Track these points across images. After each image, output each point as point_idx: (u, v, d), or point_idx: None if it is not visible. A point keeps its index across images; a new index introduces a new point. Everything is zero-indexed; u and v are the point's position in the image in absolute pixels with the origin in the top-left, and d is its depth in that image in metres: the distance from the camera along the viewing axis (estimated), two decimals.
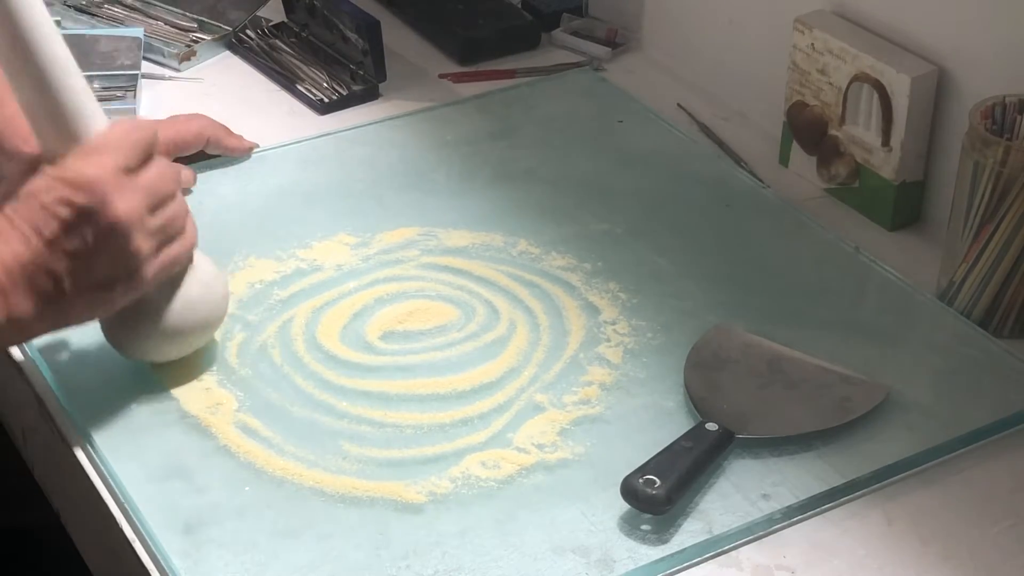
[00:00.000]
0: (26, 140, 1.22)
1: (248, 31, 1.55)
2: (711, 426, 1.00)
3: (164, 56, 1.50)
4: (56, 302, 0.93)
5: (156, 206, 0.97)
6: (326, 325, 1.12)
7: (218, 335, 1.10)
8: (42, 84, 0.95)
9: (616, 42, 1.55)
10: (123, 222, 0.93)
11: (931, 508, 0.98)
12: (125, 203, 0.93)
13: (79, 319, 0.98)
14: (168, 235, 0.98)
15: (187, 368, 1.07)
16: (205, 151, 1.32)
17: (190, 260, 1.03)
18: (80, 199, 0.92)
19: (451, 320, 1.13)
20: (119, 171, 0.94)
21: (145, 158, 0.97)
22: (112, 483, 0.98)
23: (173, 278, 1.02)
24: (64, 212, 0.92)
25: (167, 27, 1.55)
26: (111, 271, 0.95)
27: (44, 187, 0.93)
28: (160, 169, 0.98)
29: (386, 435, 1.02)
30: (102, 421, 1.02)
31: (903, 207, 1.26)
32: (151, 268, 0.97)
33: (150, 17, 1.56)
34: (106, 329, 1.04)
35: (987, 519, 0.97)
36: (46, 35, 0.94)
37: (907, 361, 1.10)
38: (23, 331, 0.95)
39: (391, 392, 1.06)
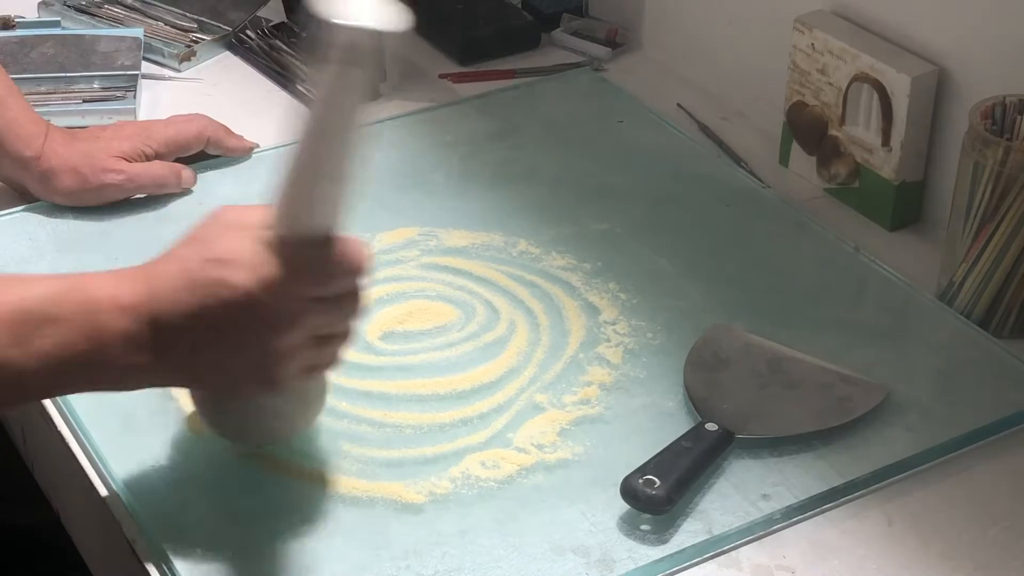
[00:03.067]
0: (28, 144, 1.23)
1: (248, 31, 1.55)
2: (711, 426, 1.00)
3: (164, 56, 1.50)
4: (184, 371, 0.88)
5: (321, 335, 0.89)
6: None
7: None
8: (336, 175, 0.88)
9: (616, 42, 1.55)
10: (281, 351, 0.87)
11: (931, 508, 0.98)
12: (290, 337, 0.86)
13: (197, 385, 0.93)
14: (320, 361, 0.92)
15: None
16: (205, 151, 1.32)
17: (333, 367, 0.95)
18: (254, 315, 0.85)
19: (451, 320, 1.13)
20: (309, 301, 0.87)
21: (344, 285, 0.89)
22: (112, 483, 0.98)
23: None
24: (231, 314, 0.85)
25: (167, 27, 1.55)
26: (243, 375, 0.88)
27: (229, 281, 0.85)
28: (351, 306, 0.90)
29: (386, 435, 1.02)
30: (102, 421, 1.02)
31: (903, 207, 1.26)
32: (287, 383, 0.90)
33: (150, 17, 1.56)
34: (205, 406, 0.97)
35: (987, 519, 0.97)
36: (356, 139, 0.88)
37: (907, 361, 1.10)
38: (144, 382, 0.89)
39: (391, 392, 1.06)
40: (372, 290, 0.92)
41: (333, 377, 0.97)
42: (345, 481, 0.98)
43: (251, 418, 0.95)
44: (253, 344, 0.86)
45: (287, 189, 0.88)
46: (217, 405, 0.96)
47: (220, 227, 0.88)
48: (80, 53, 1.45)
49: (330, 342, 0.91)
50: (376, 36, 0.83)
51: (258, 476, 0.98)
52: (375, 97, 0.85)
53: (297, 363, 0.88)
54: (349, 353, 0.93)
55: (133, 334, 0.85)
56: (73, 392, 0.91)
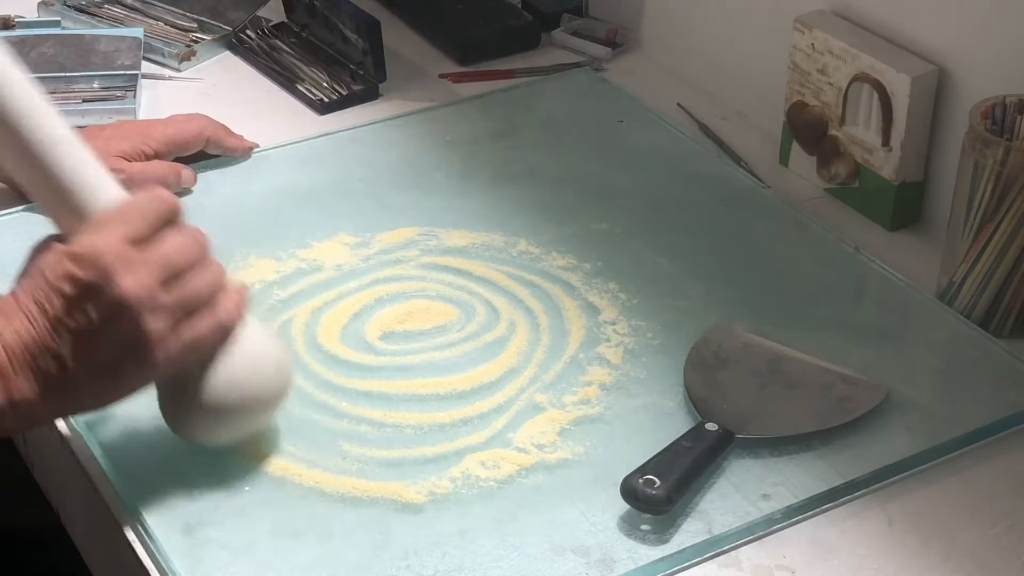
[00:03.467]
0: None
1: (248, 31, 1.55)
2: (711, 426, 1.00)
3: (164, 56, 1.50)
4: (60, 384, 0.87)
5: (172, 279, 0.89)
6: (326, 325, 1.12)
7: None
8: (38, 161, 0.90)
9: (616, 42, 1.55)
10: (129, 298, 0.86)
11: (931, 508, 0.98)
12: (132, 278, 0.86)
13: (89, 404, 0.91)
14: (189, 310, 0.90)
15: None
16: (205, 151, 1.32)
17: (225, 335, 0.93)
18: (83, 274, 0.86)
19: (451, 320, 1.13)
20: (127, 243, 0.87)
21: (160, 227, 0.89)
22: (112, 483, 0.98)
23: (207, 354, 0.93)
24: (67, 288, 0.86)
25: (167, 27, 1.55)
26: (118, 352, 0.88)
27: (50, 263, 0.87)
28: (179, 239, 0.90)
29: (386, 435, 1.02)
30: (102, 421, 1.02)
31: (903, 207, 1.26)
32: (166, 349, 0.89)
33: (150, 17, 1.56)
34: (160, 406, 0.97)
35: (987, 519, 0.97)
36: (33, 112, 0.90)
37: (907, 361, 1.10)
38: (27, 416, 0.88)
39: (391, 392, 1.06)
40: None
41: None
42: (345, 481, 0.98)
43: (184, 400, 0.94)
44: (109, 322, 0.86)
45: (32, 193, 0.92)
46: (163, 402, 0.96)
47: (33, 266, 0.89)
48: (80, 53, 1.45)
49: (193, 298, 0.90)
50: None
51: (259, 476, 0.98)
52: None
53: (164, 326, 0.88)
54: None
55: (5, 369, 0.86)
56: None
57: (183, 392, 0.94)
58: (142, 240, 0.88)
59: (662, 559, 0.92)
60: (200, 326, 0.91)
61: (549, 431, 1.02)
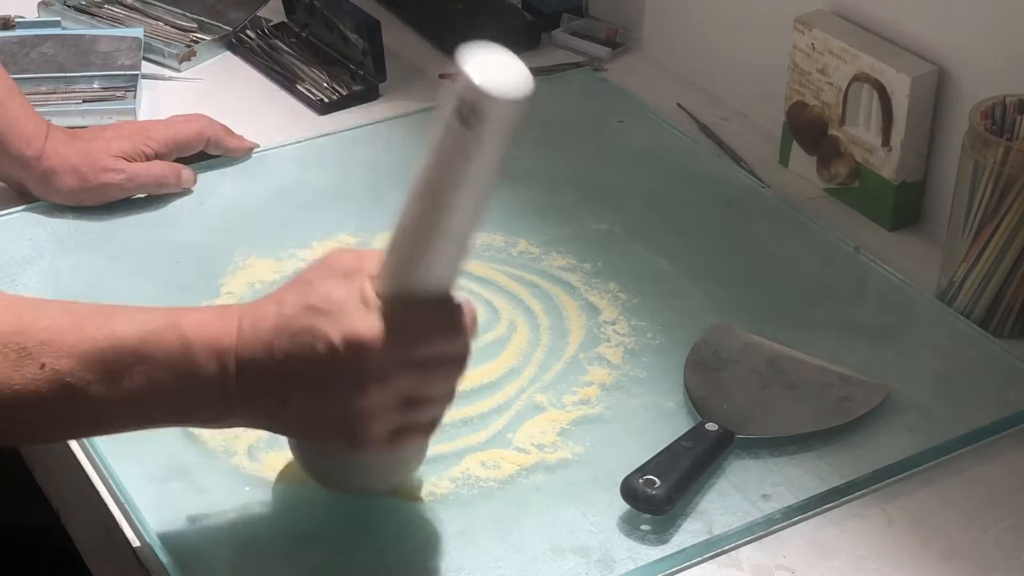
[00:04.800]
0: (28, 144, 1.23)
1: (248, 31, 1.55)
2: (711, 426, 1.00)
3: (164, 56, 1.50)
4: (273, 417, 0.86)
5: (415, 399, 0.85)
6: None
7: None
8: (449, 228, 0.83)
9: (616, 42, 1.55)
10: (360, 412, 0.83)
11: (931, 508, 0.98)
12: (373, 395, 0.82)
13: (281, 431, 0.90)
14: (412, 424, 0.87)
15: None
16: (205, 151, 1.32)
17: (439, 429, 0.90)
18: (336, 357, 0.81)
19: None
20: (400, 364, 0.83)
21: (441, 354, 0.85)
22: (112, 483, 0.98)
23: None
24: (314, 348, 0.82)
25: (167, 27, 1.55)
26: (329, 429, 0.85)
27: (328, 319, 0.82)
28: (443, 383, 0.86)
29: None
30: None
31: (903, 207, 1.26)
32: (373, 447, 0.86)
33: (150, 17, 1.56)
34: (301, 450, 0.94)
35: (987, 519, 0.97)
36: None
37: (907, 361, 1.10)
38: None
39: None
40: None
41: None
42: None
43: (337, 468, 0.93)
44: (337, 399, 0.83)
45: (396, 242, 0.84)
46: (305, 449, 0.93)
47: (325, 272, 0.85)
48: (80, 53, 1.45)
49: (425, 406, 0.86)
50: (514, 107, 0.78)
51: (260, 477, 0.98)
52: (503, 169, 0.82)
53: (385, 424, 0.84)
54: (447, 419, 0.90)
55: (224, 378, 0.83)
56: (158, 427, 0.88)
57: (345, 460, 0.91)
58: (415, 365, 0.84)
59: (662, 559, 0.92)
60: (413, 437, 0.88)
61: (549, 431, 1.02)
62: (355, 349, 0.81)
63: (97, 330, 0.82)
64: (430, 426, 0.89)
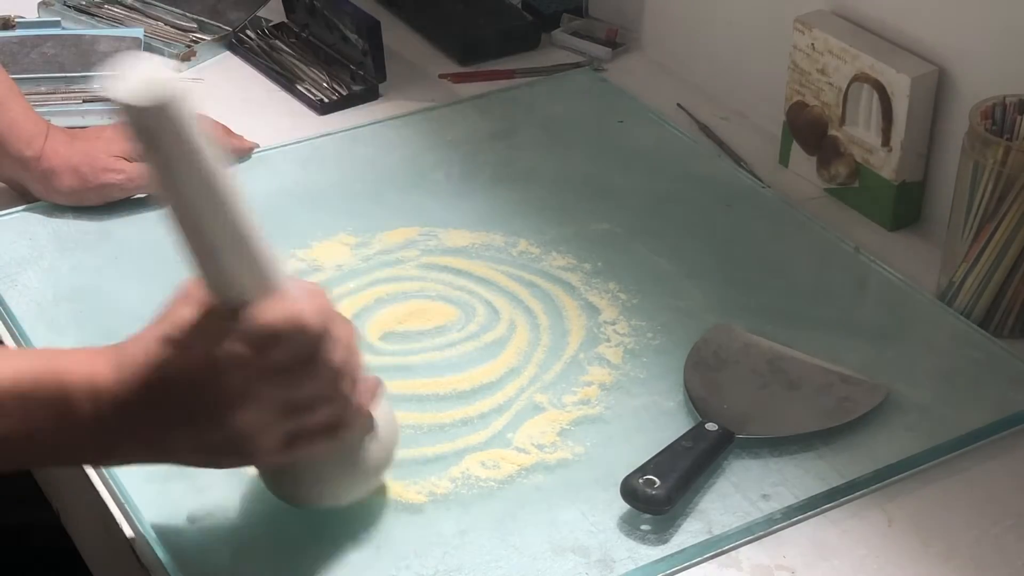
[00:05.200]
0: (29, 144, 1.23)
1: (248, 31, 1.55)
2: (711, 426, 1.00)
3: (164, 56, 1.50)
4: (163, 452, 0.85)
5: (294, 404, 0.84)
6: None
7: None
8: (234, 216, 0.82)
9: (616, 42, 1.55)
10: (239, 431, 0.82)
11: (931, 508, 0.98)
12: (244, 411, 0.82)
13: (176, 463, 0.87)
14: (305, 429, 0.85)
15: None
16: None
17: (347, 429, 0.88)
18: (193, 382, 0.81)
19: (451, 320, 1.13)
20: (253, 365, 0.82)
21: (308, 354, 0.84)
22: (112, 483, 0.98)
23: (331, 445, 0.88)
24: (175, 379, 0.82)
25: (167, 27, 1.55)
26: (219, 454, 0.84)
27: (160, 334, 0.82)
28: (317, 382, 0.84)
29: None
30: None
31: (903, 207, 1.26)
32: (271, 460, 0.86)
33: (150, 17, 1.56)
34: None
35: (987, 519, 0.97)
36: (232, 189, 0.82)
37: (907, 361, 1.10)
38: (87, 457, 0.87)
39: (391, 392, 1.05)
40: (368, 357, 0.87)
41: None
42: None
43: (293, 480, 0.91)
44: (213, 421, 0.82)
45: (192, 266, 0.83)
46: (262, 472, 0.93)
47: (176, 301, 0.85)
48: (80, 53, 1.45)
49: (309, 410, 0.84)
50: (156, 110, 0.76)
51: (258, 476, 0.98)
52: (215, 150, 0.79)
53: (271, 436, 0.83)
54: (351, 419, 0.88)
55: (99, 418, 0.82)
56: (37, 467, 0.88)
57: (296, 471, 0.91)
58: (271, 370, 0.82)
59: (662, 559, 0.92)
60: (307, 429, 0.85)
61: (549, 431, 1.02)
62: (207, 369, 0.81)
63: None
64: (332, 427, 0.86)
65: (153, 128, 0.76)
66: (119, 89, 0.75)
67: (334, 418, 0.86)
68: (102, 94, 0.77)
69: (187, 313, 0.83)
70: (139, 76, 0.75)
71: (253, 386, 0.82)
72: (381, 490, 0.97)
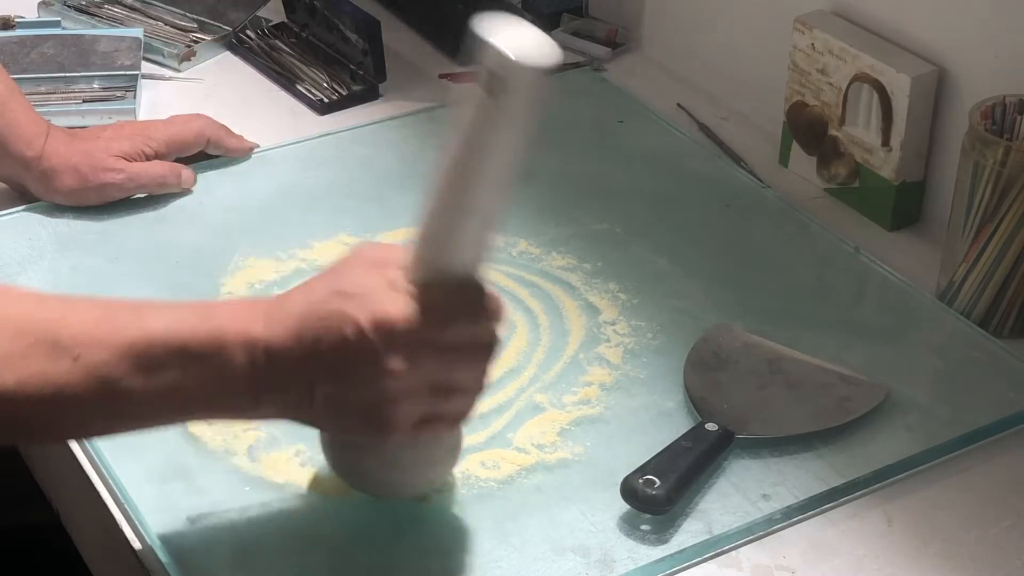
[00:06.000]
0: (29, 144, 1.23)
1: (248, 31, 1.55)
2: (711, 426, 1.00)
3: (164, 56, 1.50)
4: (300, 408, 0.85)
5: (443, 385, 0.85)
6: None
7: None
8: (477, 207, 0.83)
9: (616, 42, 1.55)
10: (386, 395, 0.83)
11: (931, 508, 0.98)
12: (400, 378, 0.82)
13: (312, 422, 0.88)
14: (441, 412, 0.87)
15: None
16: (205, 151, 1.32)
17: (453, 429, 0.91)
18: (365, 340, 0.82)
19: None
20: (428, 345, 0.83)
21: (470, 337, 0.85)
22: (112, 483, 0.98)
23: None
24: (341, 331, 0.82)
25: (167, 27, 1.55)
26: (355, 417, 0.85)
27: (356, 303, 0.82)
28: (470, 364, 0.86)
29: None
30: None
31: (903, 207, 1.26)
32: (399, 434, 0.86)
33: (150, 17, 1.56)
34: (332, 450, 0.93)
35: (987, 519, 0.97)
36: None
37: (907, 361, 1.10)
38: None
39: None
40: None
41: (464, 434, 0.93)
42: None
43: (368, 466, 0.92)
44: (363, 383, 0.83)
45: (423, 227, 0.84)
46: (336, 448, 0.93)
47: (355, 262, 0.86)
48: (80, 53, 1.45)
49: (453, 394, 0.86)
50: (540, 75, 0.78)
51: (260, 477, 0.98)
52: (533, 140, 0.81)
53: (411, 410, 0.84)
54: (478, 410, 0.89)
55: (253, 369, 0.82)
56: (189, 421, 0.88)
57: (376, 457, 0.91)
58: (442, 348, 0.84)
59: (662, 559, 0.92)
60: (442, 413, 0.87)
61: (549, 431, 1.02)
62: (383, 330, 0.82)
63: (130, 323, 0.82)
64: (458, 416, 0.88)
65: (504, 79, 0.77)
66: (500, 30, 0.77)
67: (465, 408, 0.88)
68: (478, 34, 0.77)
69: (370, 274, 0.84)
70: (524, 31, 0.78)
71: (419, 355, 0.83)
72: (449, 484, 0.97)
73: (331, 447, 0.93)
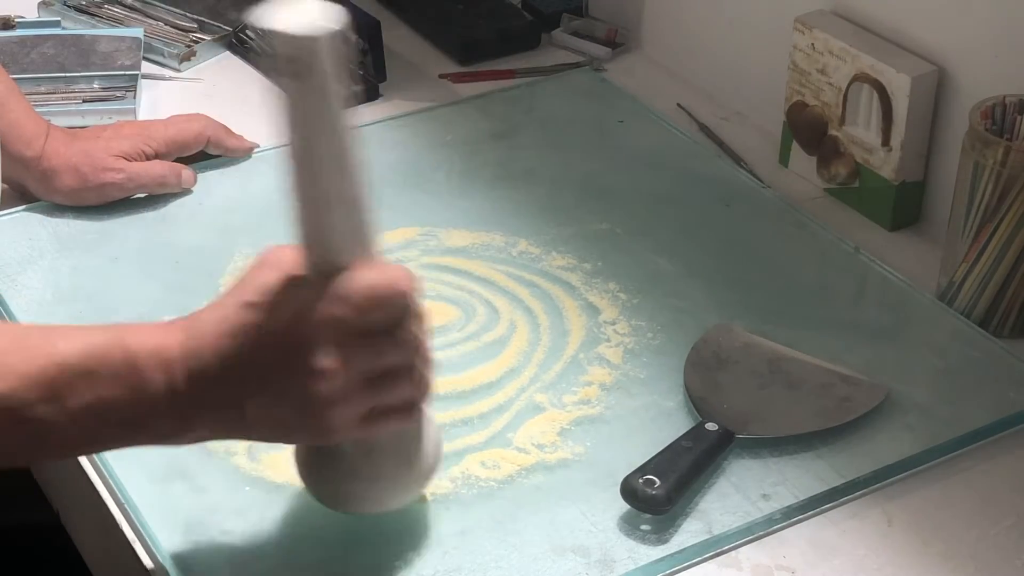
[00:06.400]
0: (29, 145, 1.23)
1: (248, 31, 1.55)
2: (711, 426, 1.00)
3: (164, 56, 1.50)
4: (235, 426, 0.83)
5: (376, 375, 0.83)
6: None
7: None
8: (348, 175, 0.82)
9: (616, 42, 1.55)
10: (319, 399, 0.81)
11: (931, 508, 0.98)
12: (327, 378, 0.80)
13: (251, 437, 0.87)
14: (382, 405, 0.84)
15: None
16: (205, 151, 1.32)
17: (420, 411, 0.88)
18: (277, 345, 0.80)
19: (451, 320, 1.13)
20: (341, 328, 0.81)
21: (388, 322, 0.83)
22: (112, 483, 0.98)
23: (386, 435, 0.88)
24: (257, 343, 0.81)
25: (167, 27, 1.55)
26: (295, 426, 0.84)
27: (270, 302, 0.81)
28: (397, 348, 0.83)
29: None
30: None
31: (903, 207, 1.26)
32: (344, 435, 0.84)
33: (150, 17, 1.56)
34: (303, 468, 0.91)
35: (987, 519, 0.97)
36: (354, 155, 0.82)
37: (907, 361, 1.10)
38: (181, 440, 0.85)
39: None
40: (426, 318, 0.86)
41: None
42: None
43: (335, 478, 0.89)
44: (294, 388, 0.81)
45: (295, 220, 0.82)
46: (302, 462, 0.91)
47: (257, 268, 0.84)
48: (80, 53, 1.45)
49: (393, 380, 0.84)
50: (317, 41, 0.76)
51: (259, 477, 0.98)
52: (350, 104, 0.80)
53: (350, 408, 0.82)
54: (426, 401, 0.87)
55: (172, 390, 0.81)
56: (113, 448, 0.86)
57: (339, 467, 0.89)
58: (359, 335, 0.82)
59: (662, 559, 0.92)
60: (384, 405, 0.84)
61: (549, 431, 1.02)
62: (296, 332, 0.80)
63: (38, 348, 0.80)
64: (408, 404, 0.85)
65: (303, 59, 0.76)
66: (276, 15, 0.75)
67: (411, 396, 0.85)
68: (253, 23, 0.76)
69: (272, 277, 0.82)
70: (298, 6, 0.76)
71: (341, 351, 0.81)
72: (421, 498, 0.96)
73: (296, 461, 0.91)
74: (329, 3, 0.77)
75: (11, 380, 0.79)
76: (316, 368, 0.80)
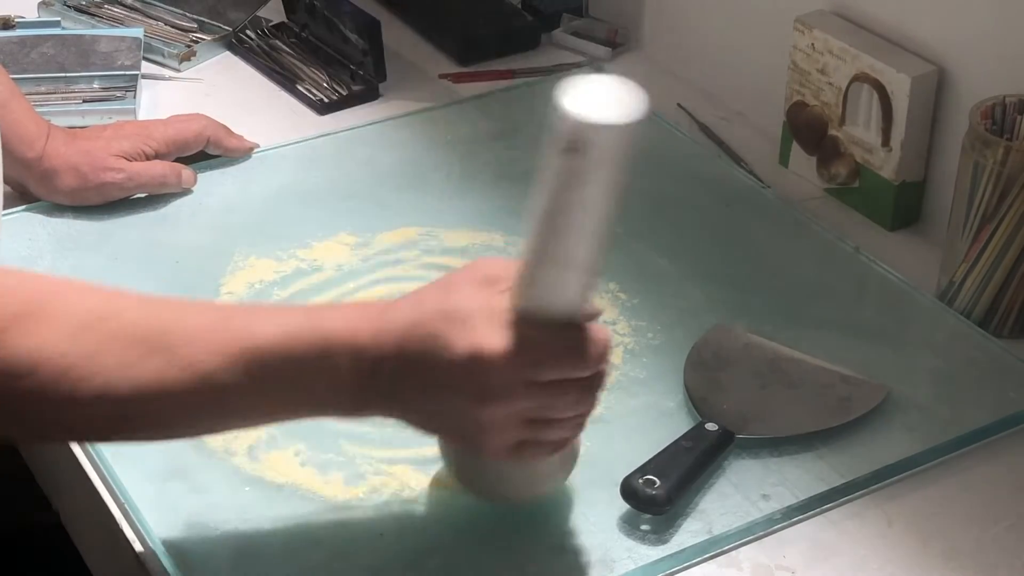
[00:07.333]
0: (30, 145, 1.23)
1: (248, 31, 1.55)
2: (711, 426, 1.00)
3: (164, 56, 1.50)
4: (405, 412, 0.86)
5: (539, 420, 0.85)
6: None
7: None
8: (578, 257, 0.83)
9: (616, 42, 1.55)
10: (479, 424, 0.84)
11: (931, 508, 0.98)
12: (492, 410, 0.83)
13: (411, 426, 0.88)
14: (537, 441, 0.87)
15: None
16: (205, 151, 1.32)
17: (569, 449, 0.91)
18: (457, 366, 0.82)
19: None
20: (527, 384, 0.83)
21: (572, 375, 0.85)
22: (112, 483, 0.98)
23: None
24: (439, 355, 0.83)
25: (167, 27, 1.55)
26: (454, 433, 0.88)
27: (454, 333, 0.83)
28: (571, 399, 0.86)
29: (386, 435, 1.02)
30: None
31: (903, 207, 1.26)
32: (494, 458, 0.87)
33: (150, 17, 1.56)
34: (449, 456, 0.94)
35: (987, 519, 0.97)
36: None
37: (907, 361, 1.10)
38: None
39: None
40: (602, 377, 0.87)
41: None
42: (345, 481, 0.98)
43: (479, 473, 0.93)
44: (456, 410, 0.84)
45: (522, 266, 0.84)
46: (450, 451, 0.93)
47: (466, 278, 0.86)
48: (80, 53, 1.45)
49: (550, 426, 0.86)
50: (615, 132, 0.76)
51: (259, 477, 0.98)
52: (618, 190, 0.79)
53: (504, 439, 0.85)
54: (578, 440, 0.90)
55: (358, 375, 0.84)
56: (293, 420, 0.89)
57: (485, 466, 0.92)
58: (538, 386, 0.84)
59: (662, 559, 0.92)
60: (538, 442, 0.87)
61: None
62: (477, 363, 0.82)
63: (242, 330, 0.83)
64: (559, 443, 0.89)
65: (579, 142, 0.76)
66: (575, 89, 0.75)
67: (567, 435, 0.89)
68: (555, 97, 0.76)
69: (472, 297, 0.84)
70: (603, 85, 0.76)
71: (513, 392, 0.83)
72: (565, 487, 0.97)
73: (446, 451, 0.94)
74: (636, 91, 0.77)
75: (216, 359, 0.82)
76: (482, 403, 0.83)
